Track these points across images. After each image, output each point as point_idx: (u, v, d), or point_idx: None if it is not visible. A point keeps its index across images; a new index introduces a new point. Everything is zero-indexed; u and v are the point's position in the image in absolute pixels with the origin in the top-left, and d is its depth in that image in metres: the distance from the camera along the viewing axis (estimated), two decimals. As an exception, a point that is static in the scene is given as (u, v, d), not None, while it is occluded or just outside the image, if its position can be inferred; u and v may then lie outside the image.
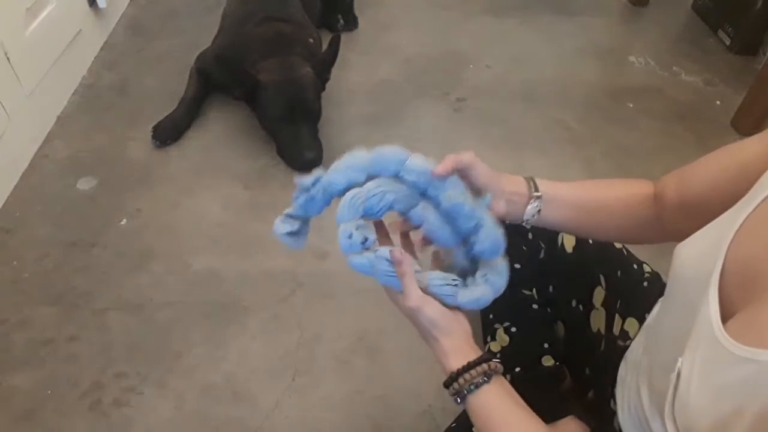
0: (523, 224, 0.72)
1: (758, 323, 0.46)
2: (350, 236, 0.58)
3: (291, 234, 0.63)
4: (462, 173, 0.64)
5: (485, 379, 0.59)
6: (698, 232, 0.58)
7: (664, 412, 0.53)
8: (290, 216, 0.63)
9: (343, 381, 1.10)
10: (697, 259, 0.56)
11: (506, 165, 1.47)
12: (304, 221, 0.64)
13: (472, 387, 0.59)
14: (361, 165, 0.60)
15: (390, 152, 0.61)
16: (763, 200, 0.51)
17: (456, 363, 0.60)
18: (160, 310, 1.22)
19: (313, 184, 0.61)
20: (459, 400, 0.61)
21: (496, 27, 2.24)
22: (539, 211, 0.71)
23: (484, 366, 0.60)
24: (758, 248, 0.50)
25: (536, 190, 0.71)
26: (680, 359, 0.53)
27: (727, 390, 0.46)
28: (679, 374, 0.52)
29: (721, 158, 0.65)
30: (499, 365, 0.62)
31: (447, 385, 0.61)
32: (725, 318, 0.49)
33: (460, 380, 0.59)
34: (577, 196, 0.73)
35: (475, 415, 0.61)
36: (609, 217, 0.73)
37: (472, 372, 0.59)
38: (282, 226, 0.63)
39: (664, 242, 0.74)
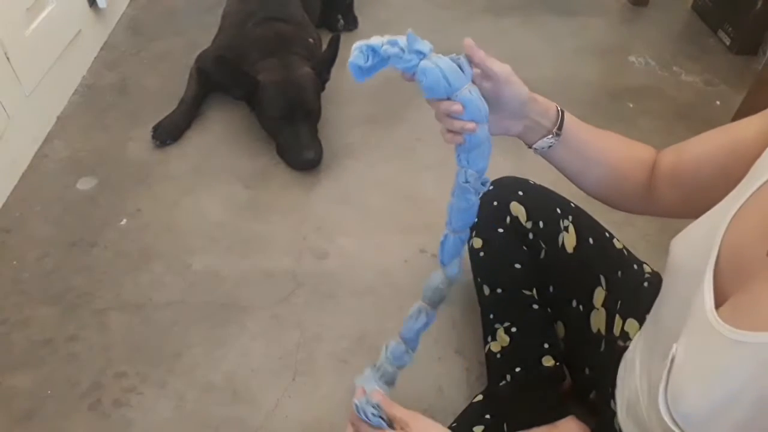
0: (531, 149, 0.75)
1: (747, 307, 0.48)
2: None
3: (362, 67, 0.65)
4: (492, 80, 0.66)
5: None
6: (692, 225, 0.59)
7: (658, 402, 0.54)
8: (372, 48, 0.64)
9: (343, 381, 1.10)
10: (692, 250, 0.57)
11: (506, 165, 1.47)
12: (381, 60, 0.65)
13: None
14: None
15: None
16: (757, 189, 0.53)
17: None
18: (160, 310, 1.22)
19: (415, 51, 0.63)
20: None
21: (496, 26, 2.24)
22: (550, 146, 0.74)
23: None
24: (747, 235, 0.51)
25: (560, 128, 0.73)
26: (675, 345, 0.54)
27: (720, 374, 0.47)
28: (673, 360, 0.53)
29: (719, 134, 0.67)
30: None
31: None
32: (719, 305, 0.51)
33: None
34: (586, 143, 0.75)
35: None
36: (603, 169, 0.75)
37: None
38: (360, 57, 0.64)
39: (641, 213, 0.78)
